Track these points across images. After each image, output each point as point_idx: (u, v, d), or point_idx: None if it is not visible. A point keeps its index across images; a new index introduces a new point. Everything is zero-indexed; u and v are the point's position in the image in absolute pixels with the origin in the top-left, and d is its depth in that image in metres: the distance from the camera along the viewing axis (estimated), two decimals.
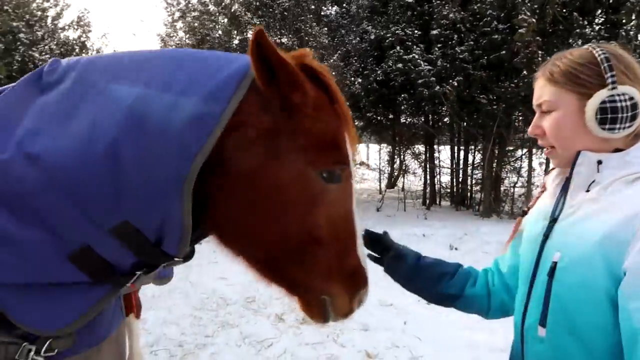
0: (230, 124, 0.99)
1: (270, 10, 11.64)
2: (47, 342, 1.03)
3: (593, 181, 1.17)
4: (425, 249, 7.40)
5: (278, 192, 1.06)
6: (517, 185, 11.91)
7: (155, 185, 0.97)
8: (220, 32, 12.50)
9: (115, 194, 0.96)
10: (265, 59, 0.99)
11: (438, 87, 10.06)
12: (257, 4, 12.30)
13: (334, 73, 10.55)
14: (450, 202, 12.76)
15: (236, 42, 12.89)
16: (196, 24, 12.64)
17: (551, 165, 1.39)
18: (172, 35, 14.50)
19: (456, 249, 7.90)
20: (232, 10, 12.70)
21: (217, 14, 12.82)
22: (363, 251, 1.20)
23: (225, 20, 12.86)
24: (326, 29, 11.68)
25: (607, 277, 1.07)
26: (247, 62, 1.02)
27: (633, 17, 8.72)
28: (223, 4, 12.73)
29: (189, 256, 1.17)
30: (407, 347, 4.19)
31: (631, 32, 8.77)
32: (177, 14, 13.90)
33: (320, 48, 10.89)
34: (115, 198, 0.96)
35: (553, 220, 1.24)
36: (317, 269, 1.12)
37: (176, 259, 1.09)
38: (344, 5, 13.08)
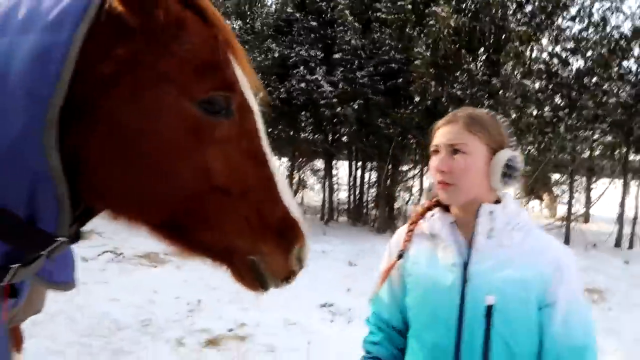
0: (84, 55, 0.82)
1: None
2: None
3: (491, 229, 1.37)
4: (325, 265, 7.61)
5: (154, 136, 0.88)
6: (409, 202, 12.64)
7: (7, 145, 0.79)
8: None
9: None
10: None
11: (339, 108, 10.40)
12: None
13: None
14: (348, 218, 13.17)
15: None
16: None
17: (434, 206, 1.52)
18: None
19: (355, 265, 8.15)
20: None
21: None
22: (291, 199, 1.04)
23: None
24: None
25: (537, 310, 1.32)
26: None
27: (511, 58, 9.78)
28: None
29: (76, 238, 0.97)
30: None
31: (508, 71, 9.83)
32: None
33: None
34: None
35: (464, 266, 1.37)
36: (234, 225, 0.96)
37: (60, 239, 0.88)
38: (248, 21, 13.06)
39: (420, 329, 1.43)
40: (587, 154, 12.17)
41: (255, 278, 1.02)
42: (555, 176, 12.63)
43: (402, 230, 1.59)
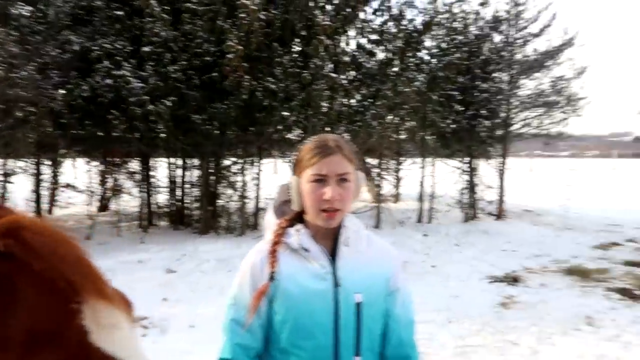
0: None
1: None
2: None
3: (347, 237, 1.69)
4: (141, 276, 7.57)
5: None
6: (232, 199, 13.12)
7: None
8: None
9: None
10: None
11: (151, 105, 10.36)
12: None
13: (27, 86, 9.75)
14: (169, 222, 13.16)
15: None
16: None
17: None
18: None
19: (174, 271, 8.33)
20: None
21: None
22: None
23: None
24: (16, 33, 10.62)
25: (384, 300, 1.71)
26: None
27: (320, 51, 10.83)
28: None
29: None
30: None
31: (319, 63, 10.87)
32: None
33: (8, 57, 9.88)
34: None
35: (333, 273, 1.64)
36: None
37: None
38: (40, 6, 12.10)
39: (298, 338, 1.62)
40: (394, 138, 14.07)
41: None
42: (371, 161, 14.38)
43: (261, 252, 1.70)
